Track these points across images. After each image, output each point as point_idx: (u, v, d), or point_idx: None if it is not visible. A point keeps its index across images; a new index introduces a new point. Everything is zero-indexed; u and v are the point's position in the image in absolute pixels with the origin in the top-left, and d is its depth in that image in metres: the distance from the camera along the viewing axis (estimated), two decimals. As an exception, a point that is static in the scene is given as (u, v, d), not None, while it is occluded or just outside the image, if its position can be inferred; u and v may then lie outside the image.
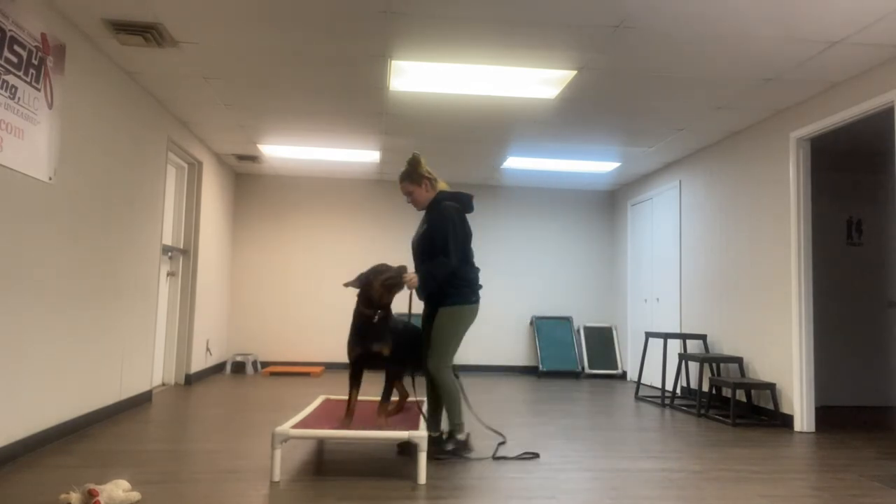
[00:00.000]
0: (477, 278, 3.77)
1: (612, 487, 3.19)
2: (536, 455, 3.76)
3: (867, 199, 6.58)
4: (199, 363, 6.89)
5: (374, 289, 3.47)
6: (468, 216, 3.82)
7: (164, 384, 6.41)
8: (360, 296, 3.54)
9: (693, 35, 3.88)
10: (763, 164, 5.50)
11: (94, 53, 4.23)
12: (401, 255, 8.57)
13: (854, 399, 6.34)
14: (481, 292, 3.82)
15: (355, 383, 3.61)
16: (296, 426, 3.26)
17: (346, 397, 3.86)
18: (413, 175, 3.80)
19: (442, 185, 3.87)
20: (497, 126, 5.95)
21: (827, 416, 5.62)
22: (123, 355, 4.90)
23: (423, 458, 3.15)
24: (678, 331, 6.92)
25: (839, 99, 4.61)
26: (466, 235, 3.73)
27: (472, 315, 3.72)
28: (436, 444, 3.64)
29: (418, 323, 3.90)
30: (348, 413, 3.52)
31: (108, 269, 4.58)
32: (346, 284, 3.57)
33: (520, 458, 3.72)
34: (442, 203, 3.74)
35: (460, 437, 3.68)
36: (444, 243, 3.60)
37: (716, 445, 4.27)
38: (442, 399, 3.69)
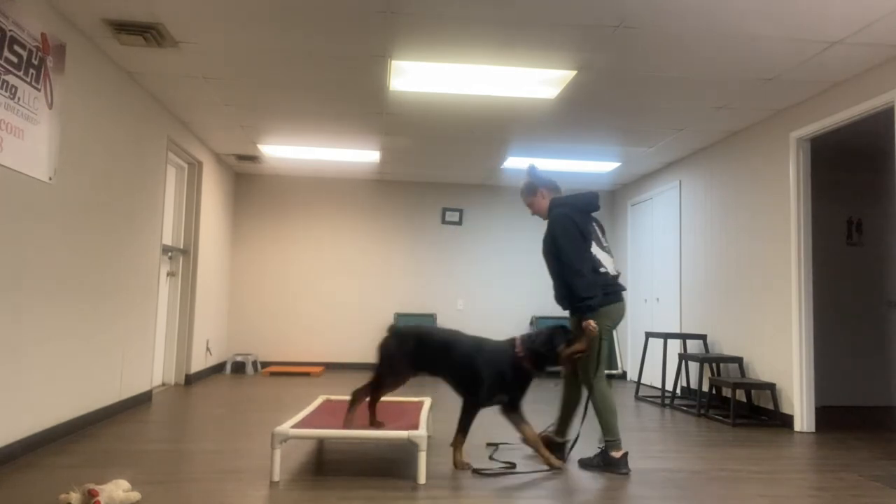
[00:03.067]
0: (596, 282, 3.52)
1: (612, 487, 3.19)
2: (513, 465, 3.60)
3: (867, 199, 6.58)
4: (199, 363, 6.89)
5: (561, 358, 3.47)
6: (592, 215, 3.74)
7: (164, 384, 6.41)
8: (530, 355, 3.44)
9: (693, 35, 3.89)
10: (763, 164, 5.50)
11: (94, 53, 4.23)
12: (399, 254, 8.58)
13: (854, 399, 6.34)
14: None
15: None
16: (296, 426, 3.26)
17: (349, 398, 3.85)
18: (528, 186, 3.84)
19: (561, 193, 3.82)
20: (497, 126, 5.95)
21: (827, 416, 5.62)
22: (123, 355, 4.90)
23: (422, 457, 3.15)
24: (678, 331, 6.92)
25: (839, 99, 4.61)
26: (577, 239, 3.55)
27: (610, 318, 3.60)
28: (559, 451, 3.72)
29: None
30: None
31: (108, 269, 4.58)
32: (532, 347, 3.45)
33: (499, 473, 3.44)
34: (552, 212, 3.70)
35: (614, 454, 3.48)
36: (559, 255, 3.53)
37: (716, 445, 4.27)
38: (596, 412, 3.56)
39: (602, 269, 3.58)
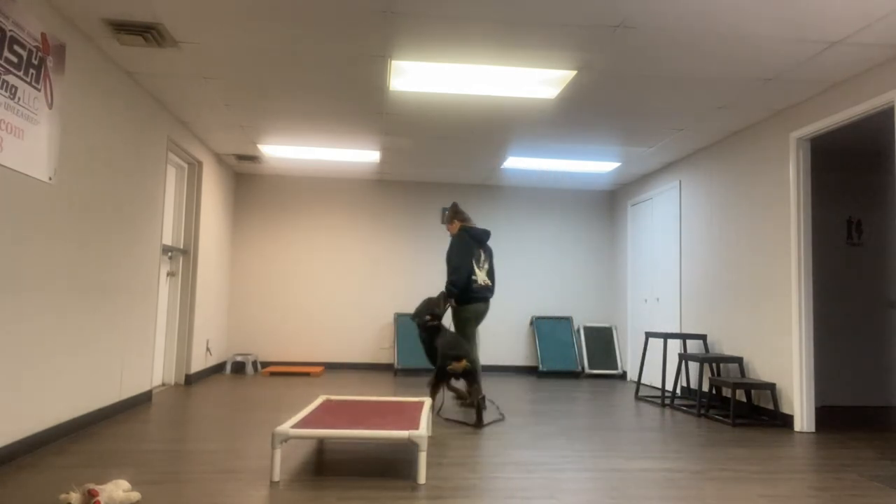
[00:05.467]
0: (472, 287, 5.42)
1: (612, 487, 3.19)
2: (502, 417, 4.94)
3: (867, 199, 6.58)
4: (199, 363, 6.90)
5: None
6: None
7: (164, 384, 6.41)
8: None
9: (693, 35, 3.89)
10: (763, 164, 5.50)
11: (94, 53, 4.23)
12: (399, 254, 8.58)
13: (854, 399, 6.34)
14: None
15: None
16: (296, 426, 3.26)
17: (349, 398, 3.86)
18: (448, 217, 5.67)
19: (470, 224, 5.64)
20: (497, 126, 5.95)
21: (827, 416, 5.62)
22: (123, 355, 4.90)
23: (422, 457, 3.16)
24: (678, 331, 6.92)
25: (839, 99, 4.61)
26: (466, 255, 5.39)
27: (472, 312, 5.40)
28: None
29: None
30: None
31: (108, 269, 4.58)
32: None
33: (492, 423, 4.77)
34: (457, 234, 5.52)
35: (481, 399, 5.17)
36: (450, 260, 5.44)
37: (716, 445, 4.27)
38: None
39: (473, 278, 5.41)
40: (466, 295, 5.35)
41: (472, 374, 4.80)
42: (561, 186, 8.81)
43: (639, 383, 6.70)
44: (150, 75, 4.81)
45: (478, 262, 5.43)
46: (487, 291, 5.48)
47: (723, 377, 5.59)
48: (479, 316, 5.47)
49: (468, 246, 5.39)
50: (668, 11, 3.59)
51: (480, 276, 5.40)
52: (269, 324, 8.34)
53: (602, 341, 8.65)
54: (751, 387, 5.15)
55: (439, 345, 4.96)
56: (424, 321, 5.20)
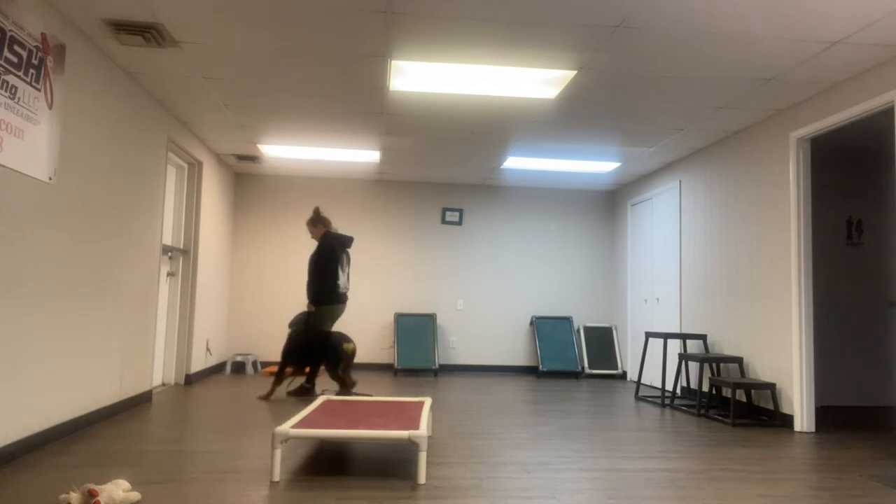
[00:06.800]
0: (329, 288, 5.85)
1: (612, 487, 3.19)
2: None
3: (867, 199, 6.58)
4: (199, 363, 6.89)
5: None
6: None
7: (164, 384, 6.41)
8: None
9: (693, 35, 3.89)
10: (763, 164, 5.50)
11: (94, 53, 4.23)
12: (399, 254, 8.58)
13: (854, 399, 6.34)
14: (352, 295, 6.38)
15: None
16: (296, 426, 3.26)
17: (349, 398, 3.86)
18: (314, 221, 6.02)
19: (332, 229, 6.06)
20: (497, 126, 5.96)
21: (827, 416, 5.62)
22: (123, 355, 4.90)
23: (422, 457, 3.16)
24: (678, 331, 6.92)
25: (839, 99, 4.61)
26: (332, 261, 5.81)
27: (333, 313, 5.87)
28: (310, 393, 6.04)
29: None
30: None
31: (109, 269, 4.58)
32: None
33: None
34: (324, 239, 5.91)
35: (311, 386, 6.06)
36: (317, 265, 5.85)
37: (716, 445, 4.27)
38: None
39: (338, 282, 5.86)
40: (330, 298, 5.81)
41: (351, 357, 5.84)
42: (561, 186, 8.81)
43: (639, 383, 6.71)
44: (150, 75, 4.81)
45: (341, 266, 5.91)
46: (346, 294, 6.04)
47: (723, 377, 5.59)
48: (337, 316, 5.97)
49: (335, 253, 5.84)
50: (668, 11, 3.59)
51: (342, 281, 5.91)
52: (269, 324, 8.34)
53: (602, 341, 8.65)
54: (751, 387, 5.15)
55: (332, 337, 5.84)
56: (301, 331, 5.94)
